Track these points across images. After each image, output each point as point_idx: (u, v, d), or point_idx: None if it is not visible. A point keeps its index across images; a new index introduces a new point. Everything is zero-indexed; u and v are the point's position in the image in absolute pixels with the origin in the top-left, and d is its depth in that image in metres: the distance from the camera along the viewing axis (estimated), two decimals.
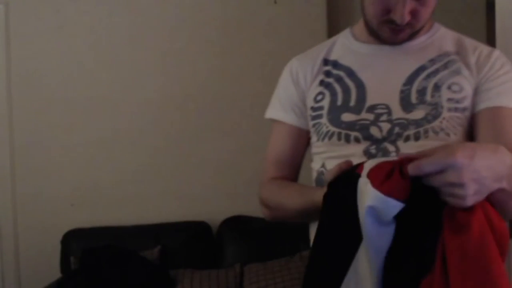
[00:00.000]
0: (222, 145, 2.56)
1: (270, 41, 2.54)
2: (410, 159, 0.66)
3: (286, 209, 1.00)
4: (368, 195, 0.66)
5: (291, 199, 0.98)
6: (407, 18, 0.91)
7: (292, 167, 1.09)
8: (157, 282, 2.15)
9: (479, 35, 2.58)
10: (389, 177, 0.66)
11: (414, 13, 0.92)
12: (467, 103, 0.94)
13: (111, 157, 2.54)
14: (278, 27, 2.55)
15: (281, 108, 1.09)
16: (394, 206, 0.65)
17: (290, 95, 1.07)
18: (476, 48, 0.99)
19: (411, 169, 0.65)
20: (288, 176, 1.08)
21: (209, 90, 2.55)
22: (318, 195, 0.85)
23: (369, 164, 0.70)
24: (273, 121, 1.11)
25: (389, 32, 0.96)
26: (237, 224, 2.48)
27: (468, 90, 0.95)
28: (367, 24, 1.00)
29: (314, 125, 1.03)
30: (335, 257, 0.74)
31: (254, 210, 2.38)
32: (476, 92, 0.95)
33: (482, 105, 0.94)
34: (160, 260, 2.29)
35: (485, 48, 1.00)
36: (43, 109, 2.51)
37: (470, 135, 0.95)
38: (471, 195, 0.63)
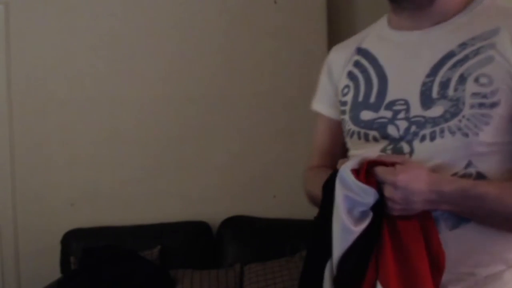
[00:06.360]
0: (222, 146, 2.55)
1: (270, 41, 2.54)
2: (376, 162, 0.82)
3: (314, 197, 1.01)
4: (348, 183, 0.80)
5: (317, 188, 0.98)
6: None
7: (332, 156, 1.08)
8: (157, 282, 2.15)
9: None
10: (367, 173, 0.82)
11: None
12: (498, 97, 0.81)
13: (111, 157, 2.54)
14: (278, 27, 2.55)
15: (319, 100, 1.11)
16: (370, 193, 0.79)
17: (325, 87, 1.08)
18: None
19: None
20: (329, 165, 1.08)
21: (209, 90, 2.55)
22: None
23: (351, 163, 0.83)
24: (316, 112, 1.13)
25: None
26: (237, 224, 2.47)
27: (503, 81, 0.81)
28: None
29: (342, 121, 1.03)
30: (323, 245, 0.84)
31: (254, 210, 2.39)
32: None
33: None
34: (160, 260, 2.29)
35: None
36: (43, 109, 2.51)
37: (507, 132, 0.82)
38: (397, 209, 0.80)
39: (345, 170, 0.81)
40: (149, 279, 2.13)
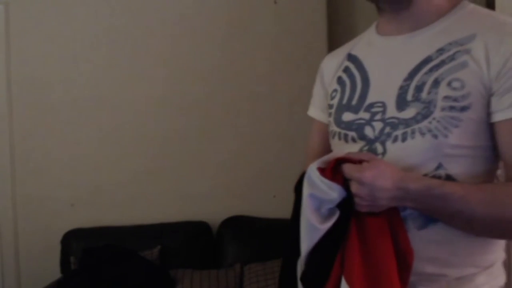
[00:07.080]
0: (222, 145, 2.56)
1: (270, 41, 2.54)
2: (343, 159, 0.84)
3: None
4: (313, 181, 0.82)
5: None
6: None
7: None
8: (157, 282, 2.15)
9: None
10: (334, 170, 0.83)
11: None
12: (469, 101, 0.82)
13: (111, 157, 2.54)
14: (278, 27, 2.55)
15: (313, 105, 1.14)
16: (335, 189, 0.81)
17: (318, 93, 1.11)
18: (502, 40, 0.82)
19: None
20: None
21: (209, 91, 2.55)
22: None
23: (318, 162, 0.85)
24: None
25: None
26: (237, 224, 2.48)
27: (475, 86, 0.82)
28: None
29: (328, 123, 1.05)
30: (294, 245, 0.86)
31: (254, 210, 2.38)
32: (491, 93, 0.82)
33: (502, 115, 0.82)
34: (160, 260, 2.29)
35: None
36: (43, 110, 2.51)
37: (476, 136, 0.84)
38: (364, 205, 0.81)
39: (312, 168, 0.83)
40: (149, 279, 2.13)
